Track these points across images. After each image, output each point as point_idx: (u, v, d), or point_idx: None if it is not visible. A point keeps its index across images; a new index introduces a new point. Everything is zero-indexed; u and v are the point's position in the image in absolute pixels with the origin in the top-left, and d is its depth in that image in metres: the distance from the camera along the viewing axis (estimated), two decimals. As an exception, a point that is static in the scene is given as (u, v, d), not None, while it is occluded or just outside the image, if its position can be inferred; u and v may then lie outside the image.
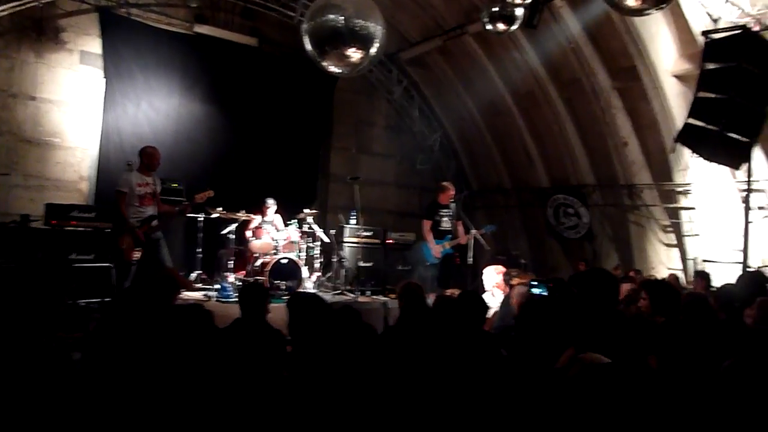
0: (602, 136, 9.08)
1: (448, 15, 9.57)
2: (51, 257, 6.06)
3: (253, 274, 7.43)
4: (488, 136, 11.01)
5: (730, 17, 6.49)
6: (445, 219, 7.74)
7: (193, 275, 7.46)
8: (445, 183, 8.10)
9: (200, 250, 7.44)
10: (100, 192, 8.16)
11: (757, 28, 6.21)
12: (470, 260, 7.48)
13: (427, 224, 7.79)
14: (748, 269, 6.37)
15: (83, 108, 8.31)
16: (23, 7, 7.56)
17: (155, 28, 8.70)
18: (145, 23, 8.62)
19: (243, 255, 7.87)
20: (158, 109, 8.67)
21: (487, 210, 11.85)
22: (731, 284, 5.62)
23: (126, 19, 8.43)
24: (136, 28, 8.48)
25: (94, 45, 8.41)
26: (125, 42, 8.36)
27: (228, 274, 7.30)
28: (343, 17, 5.47)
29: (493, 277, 4.57)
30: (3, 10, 7.38)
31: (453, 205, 7.77)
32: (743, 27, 6.06)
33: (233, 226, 7.46)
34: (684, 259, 8.53)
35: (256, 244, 7.62)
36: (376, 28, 5.70)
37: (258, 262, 7.51)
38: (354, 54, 5.87)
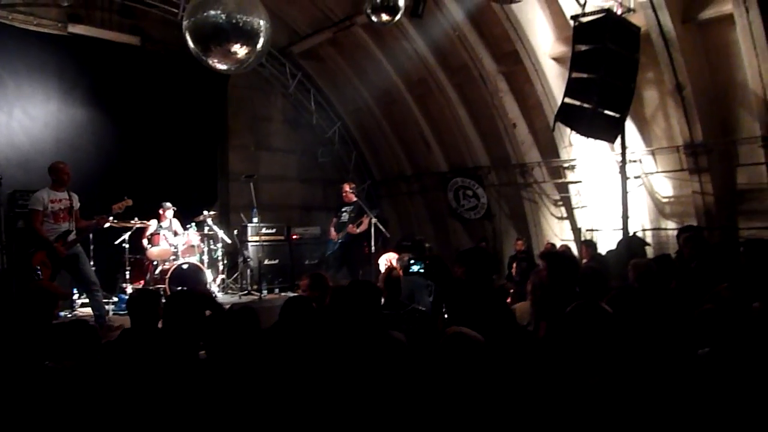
0: (493, 119, 9.47)
1: (336, 7, 9.58)
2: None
3: (153, 283, 7.15)
4: (386, 125, 11.17)
5: (595, 2, 6.95)
6: (344, 214, 8.30)
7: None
8: (343, 184, 8.61)
9: (92, 263, 7.04)
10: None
11: (619, 11, 6.70)
12: (373, 248, 7.64)
13: (332, 221, 8.42)
14: (627, 235, 6.89)
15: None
16: None
17: (24, 30, 8.07)
18: (12, 25, 7.97)
19: (141, 264, 7.54)
20: (34, 116, 8.08)
21: (391, 198, 12.06)
22: (612, 250, 6.10)
23: (-7, 23, 7.77)
24: (5, 31, 7.83)
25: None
26: (-6, 47, 7.72)
27: (125, 285, 6.98)
28: (224, 13, 5.34)
29: (385, 260, 4.67)
30: None
31: (354, 203, 8.11)
32: (607, 10, 6.50)
33: (126, 235, 7.12)
34: (574, 229, 9.11)
35: (153, 251, 7.33)
36: (260, 23, 5.62)
37: (157, 270, 7.23)
38: (239, 50, 5.77)
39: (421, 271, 3.50)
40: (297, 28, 10.39)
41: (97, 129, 8.62)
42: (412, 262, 3.68)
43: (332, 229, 8.27)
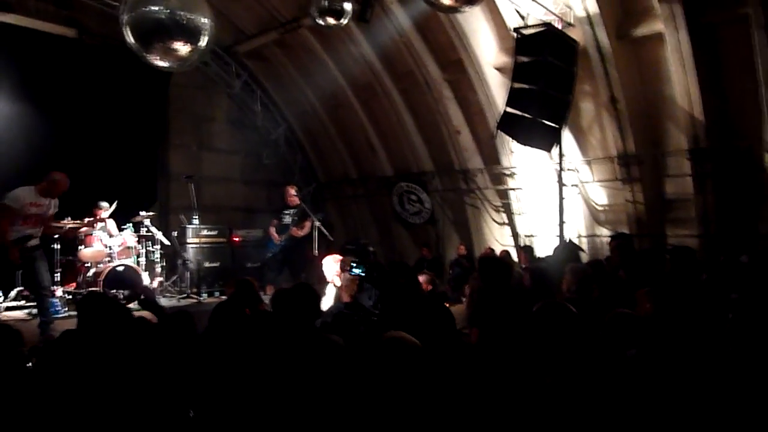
0: (437, 125, 9.61)
1: (283, 8, 9.50)
2: None
3: (86, 285, 6.88)
4: (332, 129, 11.15)
5: (537, 15, 7.18)
6: (287, 217, 8.26)
7: (13, 293, 6.72)
8: (287, 186, 8.61)
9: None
10: None
11: (559, 26, 6.95)
12: (315, 251, 7.61)
13: (272, 222, 8.37)
14: (564, 241, 7.13)
15: None
16: None
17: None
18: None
19: (72, 266, 7.23)
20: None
21: (336, 201, 12.04)
22: (549, 256, 6.28)
23: None
24: None
25: None
26: None
27: (55, 288, 6.67)
28: (166, 9, 5.21)
29: (332, 266, 4.66)
30: None
31: (298, 206, 8.06)
32: (548, 24, 6.74)
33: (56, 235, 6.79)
34: (514, 235, 9.34)
35: (86, 252, 7.03)
36: (204, 21, 5.51)
37: (90, 272, 6.95)
38: (181, 47, 5.63)
39: (362, 274, 3.54)
40: (243, 28, 10.24)
41: (28, 124, 8.19)
42: (353, 265, 3.71)
43: (273, 231, 8.16)
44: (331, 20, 6.10)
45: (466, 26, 8.23)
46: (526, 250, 7.57)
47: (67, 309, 6.50)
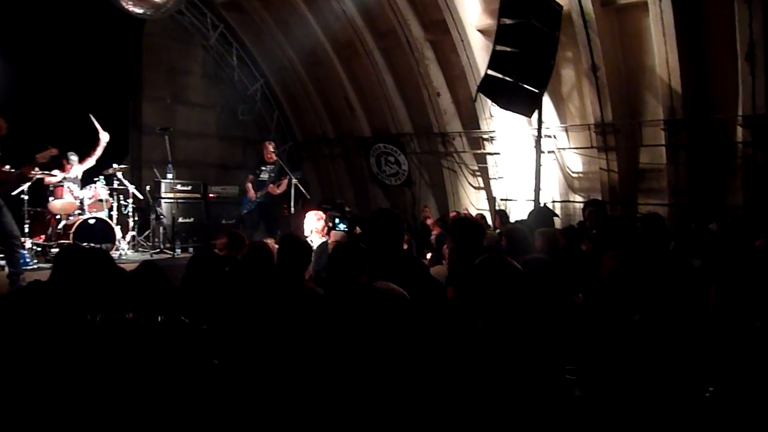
0: (418, 87, 9.52)
1: (262, -43, 9.20)
2: None
3: (56, 238, 6.74)
4: (311, 86, 10.96)
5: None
6: (263, 174, 8.02)
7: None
8: (266, 142, 8.31)
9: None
10: None
11: (544, -11, 6.86)
12: (292, 209, 7.57)
13: (249, 178, 8.13)
14: (538, 206, 7.21)
15: None
16: None
17: None
18: None
19: (42, 217, 7.06)
20: None
21: (313, 161, 11.94)
22: (522, 220, 6.35)
23: None
24: None
25: None
26: None
27: (24, 239, 6.52)
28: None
29: (312, 222, 4.64)
30: None
31: (276, 163, 7.91)
32: (533, -14, 6.65)
33: (25, 186, 6.59)
34: (490, 199, 9.41)
35: (56, 204, 6.85)
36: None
37: (60, 225, 6.81)
38: (156, -6, 5.43)
39: (346, 230, 3.53)
40: (220, -23, 9.92)
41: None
42: (337, 220, 3.70)
43: (250, 187, 7.99)
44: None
45: (450, -14, 8.09)
46: (500, 214, 7.64)
47: (36, 261, 6.37)
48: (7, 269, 5.55)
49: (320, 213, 4.89)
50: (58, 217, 6.88)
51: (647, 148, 7.61)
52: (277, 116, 11.56)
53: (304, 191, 7.61)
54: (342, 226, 3.60)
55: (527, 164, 8.34)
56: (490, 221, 8.78)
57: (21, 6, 8.05)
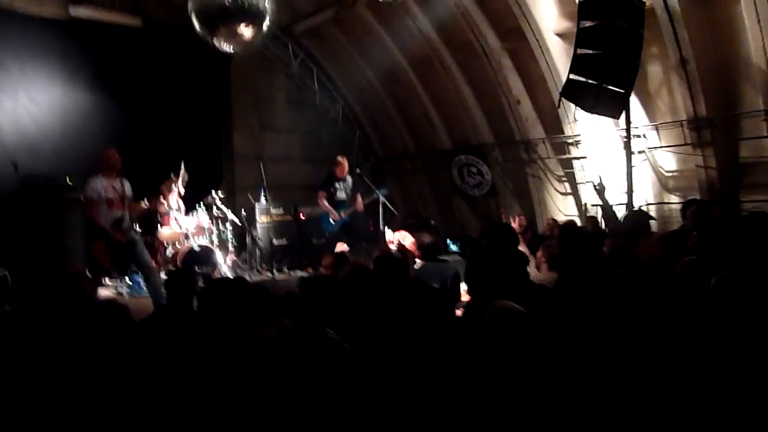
0: (497, 96, 9.48)
1: (338, -15, 9.53)
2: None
3: (165, 264, 7.25)
4: (390, 104, 11.17)
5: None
6: (340, 191, 8.01)
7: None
8: (339, 157, 8.32)
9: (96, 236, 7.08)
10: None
11: (624, -14, 6.68)
12: (378, 226, 7.71)
13: (321, 194, 8.12)
14: (632, 209, 6.97)
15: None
16: None
17: (26, 15, 8.05)
18: (15, 11, 7.94)
19: (150, 245, 7.60)
20: (39, 101, 8.10)
21: (395, 176, 12.12)
22: (617, 224, 6.17)
23: (-6, 10, 7.75)
24: (7, 17, 7.81)
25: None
26: (-4, 34, 7.71)
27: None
28: (230, -5, 5.37)
29: (401, 241, 4.73)
30: None
31: (350, 178, 8.02)
32: (612, -15, 6.49)
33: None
34: (578, 205, 9.18)
35: (164, 232, 7.40)
36: (265, 3, 5.64)
37: (169, 252, 7.33)
38: (245, 31, 5.79)
39: (458, 251, 3.49)
40: (298, 7, 10.32)
41: (101, 111, 8.62)
42: (449, 241, 3.70)
43: (327, 205, 7.99)
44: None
45: (525, -8, 8.05)
46: (592, 220, 7.44)
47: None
48: (152, 300, 5.95)
49: (404, 233, 4.96)
50: (166, 244, 7.40)
51: (747, 141, 7.18)
52: (358, 135, 11.86)
53: (391, 207, 7.74)
54: (454, 248, 3.63)
55: (616, 166, 8.08)
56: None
57: (125, 53, 8.79)
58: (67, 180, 7.26)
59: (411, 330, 2.41)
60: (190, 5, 5.49)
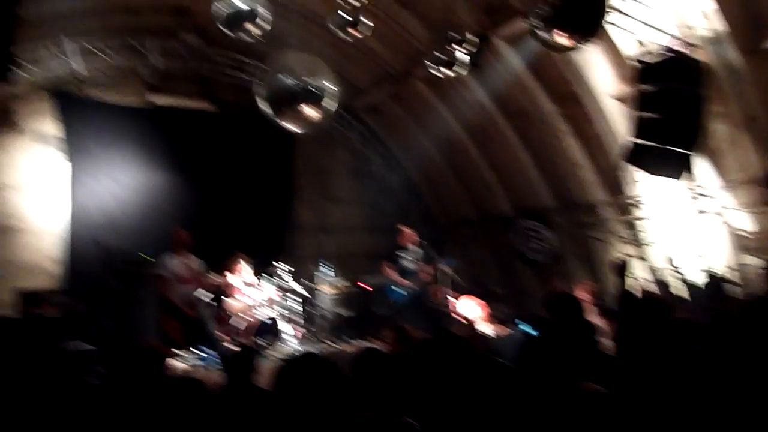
0: (555, 160, 9.46)
1: (394, 61, 9.96)
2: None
3: (234, 335, 7.40)
4: (448, 172, 11.33)
5: (656, 40, 6.96)
6: (405, 260, 7.97)
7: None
8: (402, 227, 8.35)
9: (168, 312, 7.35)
10: (73, 272, 8.09)
11: (682, 49, 6.68)
12: (447, 295, 7.64)
13: (386, 265, 8.23)
14: (704, 272, 6.67)
15: (46, 190, 8.31)
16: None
17: (112, 104, 8.81)
18: (102, 101, 8.72)
19: (221, 318, 7.82)
20: (122, 183, 8.71)
21: (456, 243, 12.07)
22: (696, 289, 5.90)
23: (82, 99, 8.53)
24: (93, 106, 8.60)
25: (48, 126, 8.46)
26: (83, 121, 8.46)
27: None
28: (295, 78, 5.71)
29: (472, 309, 4.69)
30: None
31: (414, 248, 8.03)
32: (670, 49, 6.51)
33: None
34: (646, 268, 8.84)
35: (232, 304, 7.59)
36: (328, 85, 5.96)
37: (238, 322, 7.49)
38: (309, 111, 6.10)
39: (531, 331, 3.32)
40: (357, 84, 10.81)
41: (177, 191, 9.15)
42: (516, 321, 3.57)
43: (394, 274, 7.98)
44: (446, 71, 6.32)
45: (578, 59, 8.14)
46: (661, 284, 7.14)
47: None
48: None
49: (474, 301, 4.93)
50: (234, 316, 7.59)
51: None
52: (418, 204, 12.01)
53: (456, 277, 7.69)
54: (524, 328, 3.45)
55: (684, 227, 7.81)
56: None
57: (198, 135, 9.41)
58: (142, 256, 7.68)
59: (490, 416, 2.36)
60: (258, 90, 5.86)
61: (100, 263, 7.34)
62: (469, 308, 4.70)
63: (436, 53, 6.47)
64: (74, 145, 8.42)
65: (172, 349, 6.58)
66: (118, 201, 8.60)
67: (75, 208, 8.32)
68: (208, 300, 6.50)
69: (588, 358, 2.71)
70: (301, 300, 8.13)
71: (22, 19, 5.24)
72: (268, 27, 5.61)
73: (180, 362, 6.93)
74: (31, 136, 8.37)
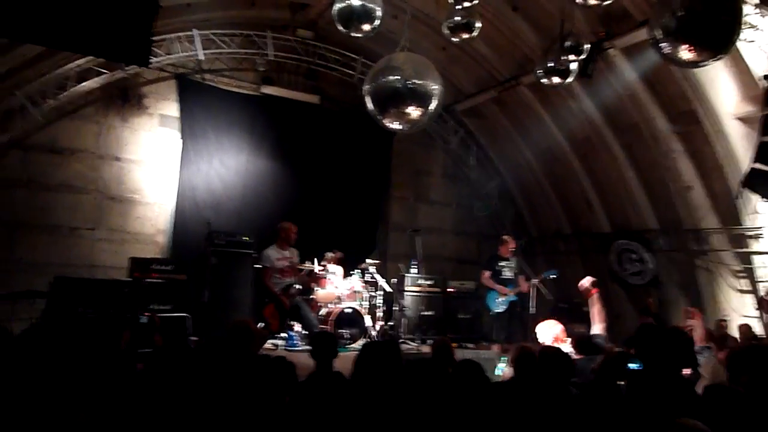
0: (664, 181, 8.96)
1: (501, 67, 9.83)
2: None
3: (318, 323, 7.64)
4: (546, 183, 11.03)
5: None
6: (506, 270, 7.91)
7: (260, 325, 7.74)
8: (505, 236, 8.30)
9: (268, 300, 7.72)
10: (175, 244, 8.69)
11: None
12: (533, 309, 7.46)
13: (486, 273, 8.01)
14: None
15: (161, 166, 8.98)
16: (113, 78, 8.32)
17: (226, 91, 9.35)
18: (218, 87, 9.28)
19: (307, 304, 8.10)
20: (228, 166, 9.21)
21: (547, 256, 11.74)
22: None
23: (200, 84, 9.12)
24: (210, 91, 9.14)
25: (171, 109, 9.13)
26: (199, 105, 9.01)
27: (293, 323, 7.54)
28: (402, 78, 5.78)
29: (549, 331, 4.57)
30: (96, 82, 8.15)
31: (514, 258, 7.91)
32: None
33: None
34: (762, 306, 8.18)
35: (320, 293, 7.86)
36: (434, 87, 5.98)
37: (322, 311, 7.73)
38: (413, 112, 6.15)
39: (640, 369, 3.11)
40: (461, 87, 10.77)
41: (277, 178, 9.56)
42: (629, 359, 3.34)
43: (494, 282, 7.81)
44: (556, 79, 6.15)
45: (701, 75, 7.66)
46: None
47: (303, 343, 7.29)
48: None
49: (553, 321, 4.77)
50: (320, 304, 7.84)
51: None
52: (511, 212, 11.79)
53: (545, 292, 7.50)
54: (633, 366, 3.22)
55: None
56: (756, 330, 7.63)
57: (302, 127, 9.77)
58: (244, 239, 8.09)
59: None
60: (364, 87, 5.96)
61: (204, 240, 7.81)
62: (544, 331, 4.56)
63: (548, 61, 6.29)
64: (189, 126, 9.02)
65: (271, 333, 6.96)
66: (223, 182, 9.11)
67: (183, 185, 8.90)
68: (301, 289, 6.86)
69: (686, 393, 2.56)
70: (383, 295, 8.24)
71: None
72: (378, 25, 5.72)
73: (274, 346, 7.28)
74: (155, 117, 9.05)
